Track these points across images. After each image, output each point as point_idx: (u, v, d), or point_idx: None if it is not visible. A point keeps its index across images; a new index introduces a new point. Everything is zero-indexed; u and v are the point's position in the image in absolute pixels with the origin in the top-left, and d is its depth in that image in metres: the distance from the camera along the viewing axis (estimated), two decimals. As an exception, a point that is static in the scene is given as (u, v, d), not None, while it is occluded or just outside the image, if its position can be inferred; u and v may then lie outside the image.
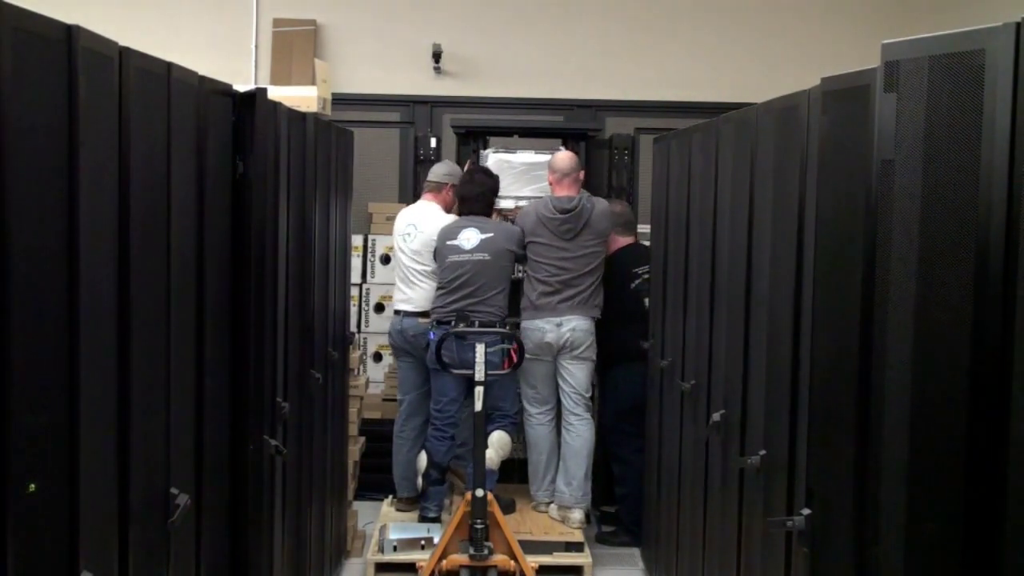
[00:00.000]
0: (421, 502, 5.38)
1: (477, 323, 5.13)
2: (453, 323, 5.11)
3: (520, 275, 5.50)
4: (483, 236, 5.25)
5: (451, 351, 5.08)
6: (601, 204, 5.39)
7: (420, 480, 5.31)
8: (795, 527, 2.46)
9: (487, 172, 5.54)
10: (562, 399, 5.36)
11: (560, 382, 5.35)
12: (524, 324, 5.31)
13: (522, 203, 5.77)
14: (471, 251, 5.21)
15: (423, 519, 5.30)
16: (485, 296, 5.20)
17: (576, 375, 5.31)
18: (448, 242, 5.27)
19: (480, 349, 4.68)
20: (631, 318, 5.34)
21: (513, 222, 5.48)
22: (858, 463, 2.06)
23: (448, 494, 5.59)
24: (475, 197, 5.38)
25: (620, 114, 6.76)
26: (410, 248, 5.50)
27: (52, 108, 1.85)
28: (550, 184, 5.40)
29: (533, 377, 5.35)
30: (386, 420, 5.94)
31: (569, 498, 5.26)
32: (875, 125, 1.99)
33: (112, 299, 2.13)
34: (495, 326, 5.12)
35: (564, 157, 5.42)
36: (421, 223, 5.49)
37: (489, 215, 5.42)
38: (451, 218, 5.48)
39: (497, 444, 5.10)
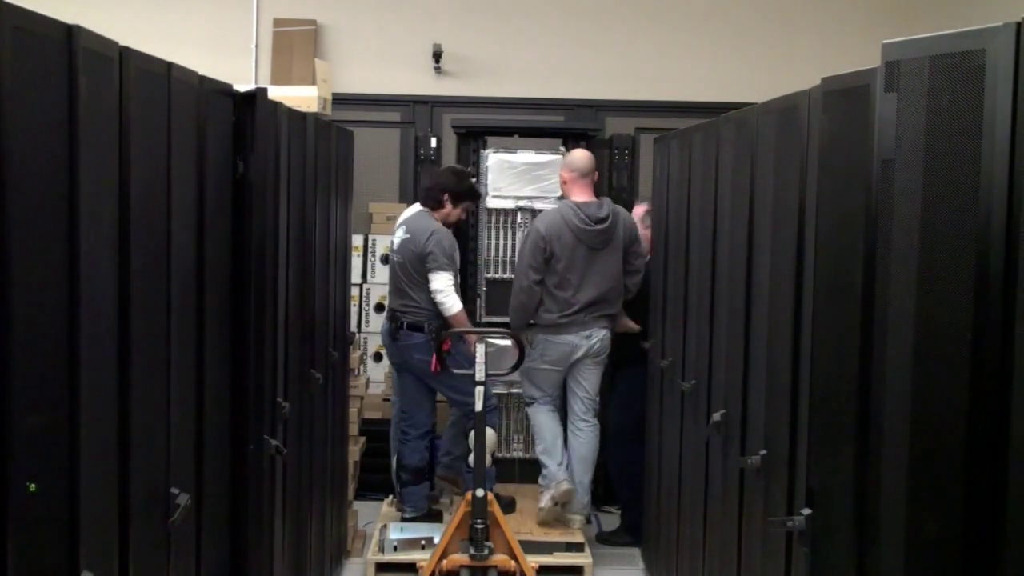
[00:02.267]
0: (398, 503, 5.41)
1: (405, 324, 5.21)
2: (389, 321, 5.31)
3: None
4: (403, 237, 5.27)
5: (391, 352, 5.33)
6: (625, 213, 5.31)
7: (394, 482, 5.32)
8: (795, 527, 2.46)
9: (454, 171, 5.47)
10: (572, 404, 5.29)
11: (573, 386, 5.27)
12: (549, 337, 5.15)
13: (522, 203, 5.76)
14: (395, 251, 5.31)
15: (403, 519, 5.31)
16: (405, 297, 5.24)
17: (592, 379, 5.27)
18: (392, 238, 5.42)
19: (480, 349, 4.68)
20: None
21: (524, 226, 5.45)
22: (858, 463, 2.06)
23: (446, 492, 5.59)
24: (424, 189, 5.43)
25: (620, 114, 6.75)
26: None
27: (52, 108, 1.85)
28: (563, 183, 5.24)
29: (547, 384, 5.27)
30: (386, 420, 5.93)
31: (574, 504, 5.24)
32: (875, 125, 1.99)
33: (112, 299, 2.13)
34: (422, 327, 5.15)
35: (583, 156, 5.25)
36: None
37: (435, 209, 5.30)
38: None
39: None
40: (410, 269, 5.18)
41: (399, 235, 5.28)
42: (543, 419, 5.32)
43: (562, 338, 5.14)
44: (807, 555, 2.42)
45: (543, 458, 5.29)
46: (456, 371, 4.98)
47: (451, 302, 5.12)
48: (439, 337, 5.01)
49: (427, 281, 5.15)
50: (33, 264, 1.78)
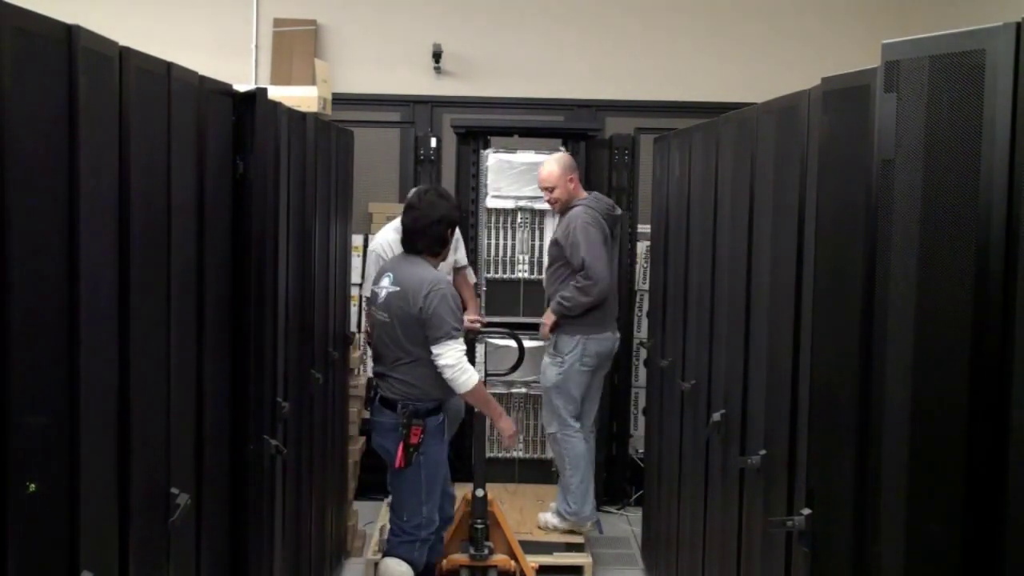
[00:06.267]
0: None
1: (378, 399, 4.20)
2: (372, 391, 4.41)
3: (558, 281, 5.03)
4: (390, 290, 4.13)
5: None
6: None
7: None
8: (795, 527, 2.46)
9: (441, 194, 4.31)
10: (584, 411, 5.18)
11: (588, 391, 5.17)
12: (592, 335, 4.95)
13: (522, 203, 5.76)
14: (379, 307, 4.18)
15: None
16: (388, 365, 4.16)
17: (601, 384, 5.24)
18: (372, 287, 4.33)
19: (480, 348, 4.67)
20: None
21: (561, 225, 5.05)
22: (858, 463, 2.06)
23: None
24: (418, 231, 4.14)
25: (620, 114, 6.76)
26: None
27: (52, 108, 1.85)
28: (574, 187, 5.11)
29: (581, 390, 5.00)
30: (386, 420, 5.93)
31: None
32: (875, 125, 1.99)
33: (112, 299, 2.13)
34: (395, 407, 4.09)
35: (568, 156, 5.28)
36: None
37: (437, 254, 4.23)
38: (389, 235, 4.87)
39: None
40: (408, 335, 4.09)
41: (386, 282, 4.17)
42: (581, 448, 4.99)
43: (605, 334, 5.02)
44: (807, 555, 2.42)
45: (577, 493, 4.96)
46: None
47: (466, 377, 4.08)
48: (409, 423, 4.05)
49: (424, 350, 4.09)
50: (33, 264, 1.78)
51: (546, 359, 5.06)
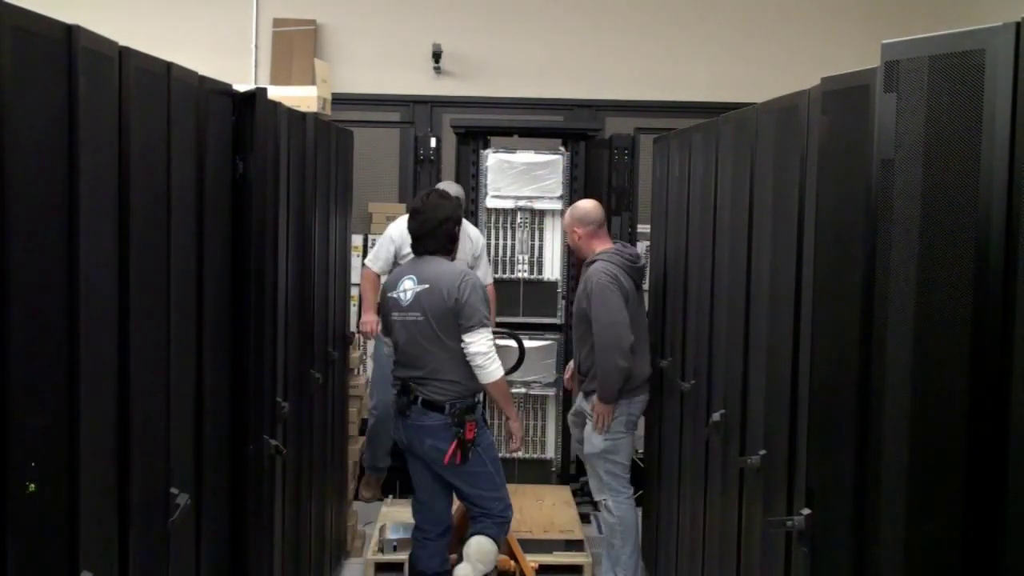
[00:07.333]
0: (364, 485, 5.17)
1: (420, 399, 4.15)
2: (397, 394, 4.26)
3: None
4: (418, 289, 4.15)
5: (398, 431, 4.34)
6: None
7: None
8: (795, 527, 2.46)
9: (443, 195, 4.37)
10: None
11: None
12: (636, 398, 4.60)
13: (522, 203, 5.75)
14: (406, 309, 4.16)
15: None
16: (425, 368, 4.14)
17: None
18: (389, 294, 4.27)
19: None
20: None
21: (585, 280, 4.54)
22: (858, 463, 2.06)
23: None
24: (427, 233, 4.21)
25: (620, 114, 6.77)
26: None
27: (52, 108, 1.85)
28: (579, 238, 4.63)
29: (629, 451, 4.75)
30: (386, 420, 5.93)
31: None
32: (875, 125, 1.99)
33: (112, 299, 2.13)
34: (442, 409, 4.12)
35: (595, 206, 4.73)
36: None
37: (450, 251, 4.29)
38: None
39: (476, 555, 4.21)
40: (445, 329, 4.11)
41: (409, 284, 4.18)
42: (632, 514, 4.68)
43: (644, 396, 4.67)
44: (807, 555, 2.42)
45: (628, 565, 4.63)
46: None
47: (495, 366, 4.15)
48: (463, 421, 4.13)
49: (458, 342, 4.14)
50: (33, 265, 1.78)
51: (589, 426, 4.66)
